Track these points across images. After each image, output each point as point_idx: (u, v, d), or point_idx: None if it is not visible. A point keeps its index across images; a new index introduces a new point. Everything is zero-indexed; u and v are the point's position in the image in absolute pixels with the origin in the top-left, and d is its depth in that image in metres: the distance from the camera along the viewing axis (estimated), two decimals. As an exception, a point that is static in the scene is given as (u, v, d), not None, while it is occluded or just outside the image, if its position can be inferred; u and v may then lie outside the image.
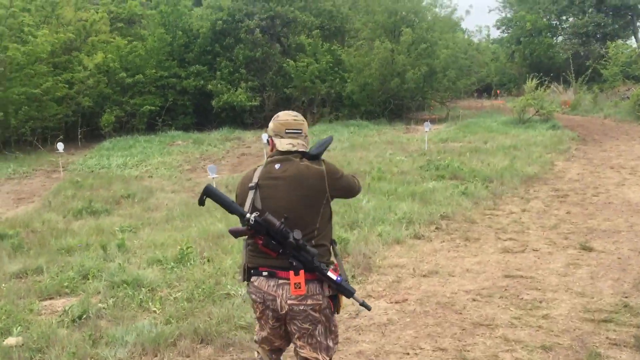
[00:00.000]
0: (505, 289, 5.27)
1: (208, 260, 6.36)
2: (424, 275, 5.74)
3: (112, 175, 13.27)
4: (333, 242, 3.05)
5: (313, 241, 2.87)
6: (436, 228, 7.42)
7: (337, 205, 8.36)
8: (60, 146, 14.42)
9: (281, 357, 3.41)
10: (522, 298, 5.05)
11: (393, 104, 22.30)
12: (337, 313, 3.02)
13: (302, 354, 3.00)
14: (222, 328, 4.60)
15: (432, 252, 6.48)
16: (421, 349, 4.21)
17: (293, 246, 2.75)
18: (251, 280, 2.99)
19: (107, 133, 20.51)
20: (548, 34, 34.82)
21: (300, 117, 3.08)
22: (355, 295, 2.93)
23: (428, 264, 6.10)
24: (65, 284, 5.84)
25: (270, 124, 3.08)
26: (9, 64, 17.88)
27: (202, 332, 4.50)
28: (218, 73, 22.63)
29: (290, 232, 2.75)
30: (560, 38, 36.61)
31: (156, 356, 4.24)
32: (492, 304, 4.96)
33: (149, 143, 18.51)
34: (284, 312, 2.89)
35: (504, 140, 14.94)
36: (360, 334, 4.50)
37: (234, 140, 19.03)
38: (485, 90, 31.99)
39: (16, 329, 4.74)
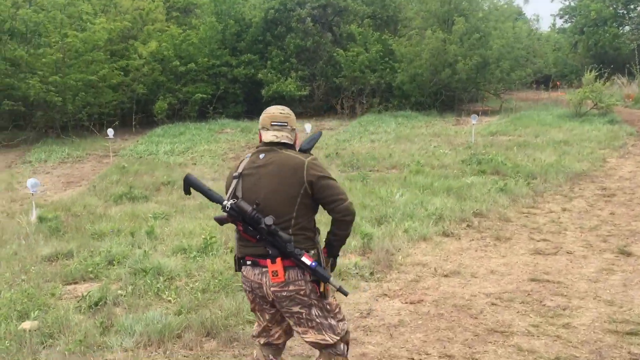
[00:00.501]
0: (529, 294, 5.04)
1: (231, 251, 6.37)
2: (445, 275, 5.56)
3: (157, 162, 13.51)
4: (316, 230, 3.10)
5: (290, 230, 2.93)
6: (467, 225, 7.19)
7: (369, 198, 8.25)
8: (110, 132, 14.79)
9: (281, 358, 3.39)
10: (544, 304, 4.81)
11: (444, 95, 21.80)
12: (325, 298, 3.05)
13: (308, 340, 3.07)
14: (230, 322, 4.59)
15: (459, 251, 6.27)
16: (427, 354, 4.07)
17: (265, 232, 2.85)
18: (241, 270, 3.10)
19: (160, 120, 20.90)
20: (614, 23, 33.15)
21: (287, 111, 3.15)
22: (332, 280, 2.97)
23: (452, 263, 5.91)
24: (90, 269, 5.97)
25: (260, 118, 3.15)
26: (67, 51, 18.44)
27: (209, 325, 4.50)
28: (269, 62, 22.70)
29: (261, 217, 2.84)
30: (627, 28, 34.81)
31: (160, 347, 4.26)
32: (511, 309, 4.74)
33: (198, 130, 18.77)
34: (270, 299, 3.01)
35: (556, 135, 14.36)
36: (367, 335, 4.39)
37: (281, 129, 19.06)
38: (545, 81, 30.81)
39: (34, 313, 4.86)
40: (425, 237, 6.68)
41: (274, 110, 3.09)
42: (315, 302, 3.02)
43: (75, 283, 5.79)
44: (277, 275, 2.90)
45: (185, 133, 18.37)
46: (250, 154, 3.14)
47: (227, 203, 2.94)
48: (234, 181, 3.07)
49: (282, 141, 3.05)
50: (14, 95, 18.16)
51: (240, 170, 3.08)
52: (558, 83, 31.61)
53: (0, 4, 18.40)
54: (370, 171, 11.02)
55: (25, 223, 8.08)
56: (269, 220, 2.82)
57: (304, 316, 3.02)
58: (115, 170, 12.39)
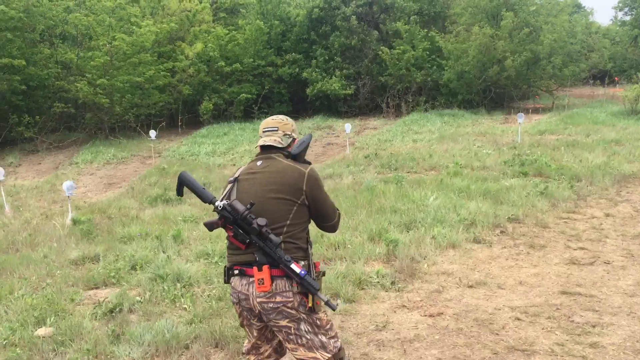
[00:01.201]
0: (557, 308, 4.73)
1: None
2: (470, 286, 5.29)
3: (198, 163, 13.63)
4: (309, 242, 3.03)
5: (281, 237, 2.85)
6: (501, 232, 6.86)
7: (401, 202, 8.03)
8: (152, 133, 15.04)
9: None
10: (572, 320, 4.49)
11: (494, 93, 21.18)
12: (315, 312, 2.94)
13: (299, 357, 2.96)
14: (240, 332, 4.47)
15: (488, 260, 5.98)
16: (439, 372, 3.85)
17: (256, 232, 2.78)
18: (230, 281, 3.01)
19: (206, 120, 21.16)
20: (677, 15, 31.60)
21: (279, 118, 3.18)
22: (319, 293, 2.86)
23: (479, 272, 5.63)
24: (112, 274, 5.98)
25: None
26: (115, 54, 18.87)
27: (219, 336, 4.40)
28: (313, 61, 22.63)
29: (254, 218, 2.79)
30: (691, 20, 33.10)
31: (167, 358, 4.19)
32: (536, 325, 4.45)
33: (242, 131, 18.88)
34: (257, 311, 2.90)
35: (608, 134, 13.71)
36: (380, 350, 4.20)
37: (324, 129, 18.97)
38: (602, 77, 29.55)
39: (50, 319, 4.89)
40: (454, 244, 6.41)
41: (269, 119, 3.17)
42: (305, 316, 2.91)
43: (97, 288, 5.81)
44: (262, 283, 2.80)
45: (229, 133, 18.50)
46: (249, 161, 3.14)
47: (220, 203, 2.89)
48: (229, 185, 3.05)
49: (270, 144, 3.04)
50: (65, 97, 18.73)
51: (236, 175, 3.07)
52: (616, 78, 30.31)
53: (52, 9, 18.97)
54: (407, 173, 10.76)
55: (59, 225, 8.24)
56: (261, 221, 2.77)
57: (292, 331, 2.90)
58: (155, 171, 12.55)
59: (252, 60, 22.29)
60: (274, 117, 3.18)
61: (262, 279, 2.80)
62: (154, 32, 20.21)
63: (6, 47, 17.57)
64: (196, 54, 21.21)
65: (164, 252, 6.64)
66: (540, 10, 20.72)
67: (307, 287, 2.82)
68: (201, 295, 5.35)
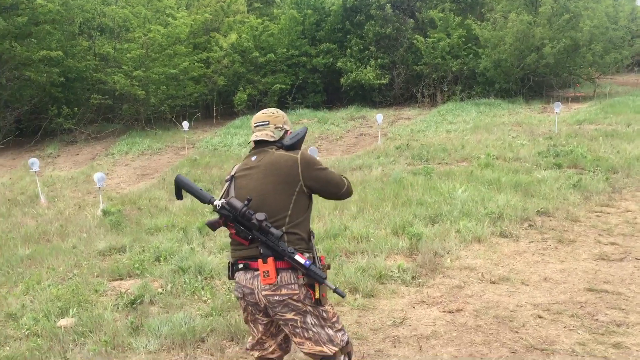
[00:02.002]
0: (582, 306, 4.58)
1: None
2: (493, 282, 5.18)
3: (229, 154, 13.70)
4: (311, 233, 3.03)
5: (284, 228, 2.85)
6: (529, 226, 6.69)
7: (428, 195, 7.92)
8: (185, 125, 15.18)
9: None
10: (597, 319, 4.35)
11: (532, 81, 20.64)
12: (321, 305, 2.92)
13: (305, 351, 2.96)
14: (255, 326, 4.48)
15: (513, 254, 5.84)
16: (453, 371, 3.77)
17: (256, 228, 2.79)
18: (234, 276, 3.02)
19: (240, 111, 21.25)
20: None
21: (270, 112, 3.17)
22: (327, 281, 2.84)
23: (503, 268, 5.50)
24: (137, 265, 6.06)
25: None
26: (151, 46, 19.09)
27: (234, 329, 4.41)
28: (348, 51, 22.43)
29: (253, 214, 2.80)
30: None
31: (182, 351, 4.22)
32: (558, 323, 4.32)
33: (276, 121, 18.90)
34: (262, 305, 2.90)
35: (650, 123, 13.22)
36: (395, 346, 4.14)
37: (358, 119, 18.83)
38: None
39: (73, 310, 4.99)
40: (479, 238, 6.28)
41: (259, 113, 3.17)
42: (311, 309, 2.90)
43: (121, 279, 5.90)
44: (268, 275, 2.80)
45: (262, 124, 18.52)
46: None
47: (218, 202, 2.91)
48: (227, 184, 3.08)
49: (263, 139, 3.05)
50: (102, 89, 19.07)
51: (232, 172, 3.09)
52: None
53: (90, 2, 19.30)
54: (438, 164, 10.59)
55: (90, 216, 8.40)
56: (260, 216, 2.78)
57: (298, 324, 2.90)
58: (187, 163, 12.68)
59: (286, 50, 22.25)
60: (264, 110, 3.18)
61: (267, 271, 2.81)
62: (189, 24, 20.34)
63: (45, 39, 17.95)
64: (230, 45, 21.26)
65: (188, 244, 6.71)
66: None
67: (313, 277, 2.82)
68: (221, 288, 5.38)
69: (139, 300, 5.15)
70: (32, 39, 17.70)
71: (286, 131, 3.13)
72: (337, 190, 3.06)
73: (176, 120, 19.74)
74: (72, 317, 4.86)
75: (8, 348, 4.36)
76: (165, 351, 4.24)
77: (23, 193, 10.73)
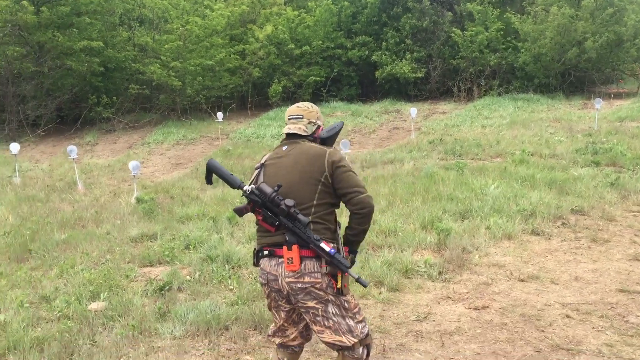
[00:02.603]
0: (612, 307, 4.49)
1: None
2: (521, 280, 5.10)
3: (262, 145, 13.79)
4: (337, 224, 3.05)
5: (310, 217, 2.88)
6: (562, 224, 6.56)
7: (459, 190, 7.85)
8: (219, 115, 15.34)
9: None
10: (627, 320, 4.25)
11: (573, 76, 20.16)
12: (342, 295, 2.94)
13: (325, 340, 2.98)
14: (280, 316, 4.51)
15: (544, 253, 5.74)
16: (475, 368, 3.74)
17: (284, 213, 2.82)
18: (259, 263, 3.06)
19: (275, 103, 21.34)
20: None
21: (306, 105, 3.19)
22: (350, 271, 2.85)
23: (532, 266, 5.41)
24: (167, 252, 6.16)
25: None
26: (188, 37, 19.30)
27: (258, 318, 4.46)
28: (384, 44, 22.27)
29: (282, 199, 2.83)
30: None
31: (206, 338, 4.28)
32: (586, 323, 4.24)
33: (309, 114, 18.91)
34: (285, 292, 2.93)
35: (694, 121, 12.80)
36: (417, 341, 4.12)
37: (392, 112, 18.71)
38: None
39: (104, 294, 5.10)
40: (510, 235, 6.19)
41: (293, 106, 3.20)
42: (332, 298, 2.93)
43: (151, 266, 6.01)
44: (292, 262, 2.84)
45: (296, 116, 18.56)
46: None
47: (248, 187, 2.96)
48: (256, 171, 3.13)
49: (295, 132, 3.09)
50: (141, 79, 19.38)
51: (263, 161, 3.14)
52: None
53: (129, -7, 19.62)
54: (472, 159, 10.46)
55: (125, 203, 8.56)
56: (289, 202, 2.82)
57: (320, 312, 2.93)
58: (220, 153, 12.80)
59: (321, 42, 22.20)
60: (299, 104, 3.20)
61: (292, 258, 2.84)
62: (226, 16, 20.49)
63: (87, 29, 18.31)
64: (266, 37, 21.33)
65: (217, 233, 6.78)
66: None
67: (337, 265, 2.84)
68: (247, 277, 5.44)
69: (167, 287, 5.24)
70: (74, 29, 18.08)
71: (319, 126, 3.16)
72: (354, 191, 2.91)
73: (211, 110, 19.93)
74: (102, 301, 4.98)
75: (40, 329, 4.49)
76: (190, 337, 4.31)
77: (62, 179, 11.00)
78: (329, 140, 3.16)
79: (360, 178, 3.08)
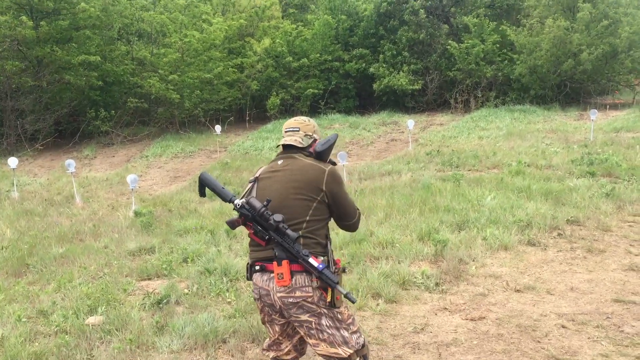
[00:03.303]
0: (608, 317, 4.50)
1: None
2: (517, 290, 5.12)
3: (260, 158, 13.83)
4: (328, 239, 3.09)
5: (300, 232, 2.90)
6: (558, 234, 6.59)
7: (456, 201, 7.88)
8: (217, 128, 15.40)
9: None
10: (622, 330, 4.27)
11: (569, 88, 20.27)
12: (335, 307, 2.95)
13: (320, 353, 2.99)
14: (277, 328, 4.52)
15: (540, 263, 5.76)
16: (472, 379, 3.75)
17: (273, 228, 2.85)
18: (252, 278, 3.07)
19: (273, 115, 21.42)
20: None
21: (302, 119, 3.24)
22: (338, 286, 2.87)
23: (529, 276, 5.44)
24: (165, 266, 6.18)
25: None
26: (186, 51, 19.42)
27: (256, 331, 4.47)
28: (381, 56, 22.41)
29: (270, 215, 2.85)
30: None
31: (204, 351, 4.29)
32: (582, 333, 4.26)
33: (307, 126, 18.97)
34: (278, 306, 2.94)
35: (690, 132, 12.87)
36: (414, 353, 4.14)
37: (390, 124, 18.78)
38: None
39: (101, 308, 5.11)
40: (506, 246, 6.21)
41: (291, 119, 3.25)
42: (325, 311, 2.94)
43: (149, 279, 6.03)
44: (282, 278, 2.85)
45: (294, 128, 18.62)
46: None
47: (239, 201, 2.97)
48: (250, 184, 3.14)
49: (292, 144, 3.10)
50: (139, 92, 19.47)
51: (257, 174, 3.15)
52: None
53: (128, 7, 19.73)
54: (468, 171, 10.51)
55: (123, 217, 8.59)
56: (277, 217, 2.84)
57: (313, 326, 2.93)
58: (218, 166, 12.84)
59: (319, 55, 22.33)
60: (297, 118, 3.24)
61: (282, 273, 2.85)
62: (224, 29, 20.62)
63: (85, 44, 18.44)
64: (264, 50, 21.48)
65: (215, 246, 6.81)
66: (620, 2, 19.66)
67: (325, 281, 2.85)
68: (245, 290, 5.45)
69: (165, 300, 5.25)
70: (73, 44, 18.20)
71: (315, 140, 3.19)
72: (347, 217, 3.13)
73: (209, 123, 20.02)
74: (100, 315, 4.99)
75: (37, 344, 4.50)
76: (187, 351, 4.32)
77: (60, 193, 11.03)
78: (324, 154, 3.16)
79: (353, 198, 3.16)
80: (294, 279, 2.87)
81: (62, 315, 4.95)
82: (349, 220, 3.14)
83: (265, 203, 2.88)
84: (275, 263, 2.86)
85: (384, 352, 4.15)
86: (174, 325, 4.64)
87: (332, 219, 3.13)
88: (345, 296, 2.88)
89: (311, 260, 2.83)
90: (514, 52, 20.86)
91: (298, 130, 3.15)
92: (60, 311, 5.05)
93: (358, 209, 3.19)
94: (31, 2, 17.47)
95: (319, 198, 2.96)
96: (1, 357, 4.24)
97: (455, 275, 5.50)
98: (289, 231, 2.84)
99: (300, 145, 3.10)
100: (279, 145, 3.17)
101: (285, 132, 3.17)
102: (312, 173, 2.98)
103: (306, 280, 2.88)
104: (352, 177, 10.57)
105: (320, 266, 2.83)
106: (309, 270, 2.86)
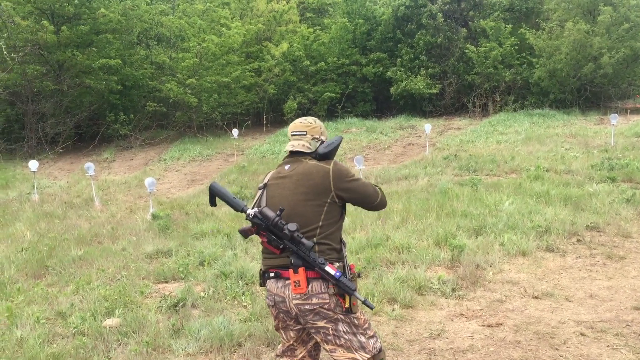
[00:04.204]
0: (628, 325, 4.44)
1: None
2: (536, 297, 5.06)
3: (277, 162, 13.84)
4: (342, 243, 3.04)
5: (315, 239, 2.88)
6: (577, 240, 6.51)
7: (473, 206, 7.83)
8: (235, 132, 15.47)
9: None
10: (643, 339, 4.20)
11: (589, 92, 20.06)
12: (352, 312, 2.93)
13: (338, 358, 2.96)
14: (292, 333, 4.52)
15: (559, 270, 5.70)
16: (488, 386, 3.71)
17: (287, 238, 2.82)
18: (266, 284, 3.04)
19: (290, 119, 21.44)
20: None
21: (309, 121, 3.15)
22: (356, 293, 2.85)
23: (547, 283, 5.37)
24: (181, 269, 6.21)
25: None
26: (204, 55, 19.56)
27: (271, 335, 4.47)
28: (398, 60, 22.39)
29: (285, 224, 2.82)
30: None
31: (220, 355, 4.30)
32: (601, 341, 4.20)
33: (324, 130, 18.99)
34: (294, 313, 2.92)
35: None
36: (430, 359, 4.11)
37: (407, 128, 18.73)
38: None
39: (119, 311, 5.15)
40: (524, 251, 6.15)
41: (297, 121, 3.16)
42: (342, 317, 2.92)
43: (166, 282, 6.06)
44: (299, 285, 2.82)
45: (310, 133, 18.65)
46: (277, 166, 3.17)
47: (251, 211, 2.93)
48: (259, 192, 3.10)
49: (299, 149, 3.04)
50: (158, 96, 19.64)
51: (265, 181, 3.11)
52: None
53: (148, 12, 19.93)
54: (486, 175, 10.44)
55: (140, 220, 8.65)
56: (292, 226, 2.81)
57: (330, 332, 2.91)
58: (235, 169, 12.89)
59: (336, 59, 22.38)
60: (303, 120, 3.15)
61: (298, 281, 2.83)
62: (242, 33, 20.74)
63: (105, 48, 18.68)
64: (282, 54, 21.57)
65: (231, 249, 6.83)
66: (642, 4, 19.46)
67: (343, 289, 2.83)
68: (261, 294, 5.45)
69: (181, 303, 5.27)
70: (93, 48, 18.44)
71: (322, 142, 3.12)
72: (369, 200, 3.06)
73: (227, 127, 20.12)
74: (117, 317, 5.02)
75: (55, 345, 4.54)
76: (203, 354, 4.33)
77: (79, 196, 11.15)
78: (326, 156, 3.09)
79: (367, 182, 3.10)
80: (310, 286, 2.85)
81: (80, 317, 5.00)
82: (373, 201, 3.07)
83: (278, 212, 2.85)
84: (291, 271, 2.84)
85: (399, 357, 4.12)
86: (190, 328, 4.66)
87: (344, 222, 3.10)
88: (364, 303, 2.87)
89: (328, 268, 2.81)
90: (533, 56, 20.71)
91: (305, 134, 3.08)
92: (79, 313, 5.09)
93: (377, 186, 3.15)
94: (52, 8, 17.74)
95: (329, 200, 2.93)
96: (20, 358, 4.28)
97: (472, 281, 5.45)
98: (304, 240, 2.81)
99: (308, 151, 3.05)
100: (286, 150, 3.12)
101: (292, 135, 3.11)
102: (317, 176, 2.94)
103: (322, 287, 2.87)
104: (369, 181, 10.54)
105: (337, 274, 2.81)
106: (325, 277, 2.85)
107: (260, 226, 2.90)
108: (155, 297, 5.60)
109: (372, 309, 2.93)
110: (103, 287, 5.77)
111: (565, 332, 4.37)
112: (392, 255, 6.19)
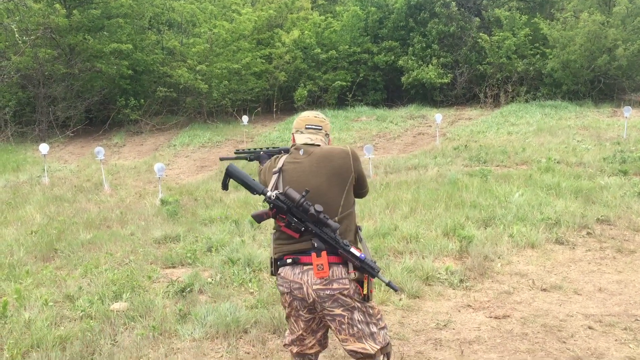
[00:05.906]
0: (636, 319, 4.40)
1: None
2: (544, 289, 5.03)
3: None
4: (357, 227, 3.08)
5: (336, 218, 2.89)
6: (587, 233, 6.46)
7: (483, 197, 7.79)
8: (245, 119, 15.45)
9: None
10: (651, 333, 4.16)
11: (603, 84, 19.83)
12: (368, 300, 2.95)
13: (348, 348, 2.97)
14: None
15: (568, 262, 5.66)
16: (494, 378, 3.70)
17: (314, 219, 2.80)
18: (278, 272, 3.02)
19: (300, 107, 21.39)
20: None
21: (322, 116, 3.20)
22: (380, 274, 2.87)
23: (556, 275, 5.34)
24: (189, 254, 6.23)
25: (294, 122, 3.20)
26: (215, 41, 19.50)
27: (277, 322, 4.47)
28: (410, 49, 22.20)
29: (311, 205, 2.81)
30: None
31: (225, 341, 4.31)
32: (609, 335, 4.17)
33: (334, 118, 18.93)
34: (311, 300, 2.90)
35: None
36: (436, 349, 4.10)
37: (417, 118, 18.62)
38: None
39: (126, 295, 5.17)
40: (533, 243, 6.11)
41: (309, 114, 3.19)
42: (359, 305, 2.92)
43: (173, 267, 6.08)
44: (322, 269, 2.82)
45: (321, 120, 18.59)
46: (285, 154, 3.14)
47: (272, 193, 2.90)
48: (274, 176, 3.03)
49: (316, 143, 3.09)
50: (168, 82, 19.62)
51: (280, 165, 3.04)
52: None
53: (157, -2, 19.90)
54: (496, 166, 10.37)
55: (149, 205, 8.67)
56: (319, 207, 2.80)
57: (345, 320, 2.91)
58: (244, 156, 12.86)
59: (347, 47, 22.22)
60: (316, 114, 3.20)
61: (322, 264, 2.82)
62: (253, 20, 20.65)
63: (117, 33, 18.67)
64: (293, 41, 21.43)
65: (239, 236, 6.83)
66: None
67: (367, 270, 2.84)
68: (268, 281, 5.46)
69: (188, 289, 5.28)
70: (104, 32, 18.45)
71: (329, 139, 3.23)
72: (365, 185, 3.19)
73: (237, 114, 20.08)
74: (124, 301, 5.05)
75: (62, 328, 4.57)
76: (209, 340, 4.34)
77: (89, 180, 11.19)
78: None
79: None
80: (331, 271, 2.84)
81: (87, 300, 5.03)
82: (365, 187, 3.20)
83: (304, 194, 2.82)
84: (314, 254, 2.83)
85: (405, 347, 4.11)
86: (196, 314, 4.67)
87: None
88: (388, 284, 2.91)
89: (353, 250, 2.82)
90: (546, 47, 20.47)
91: (320, 129, 3.14)
92: (86, 296, 5.12)
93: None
94: (64, -9, 17.73)
95: (349, 181, 2.98)
96: (28, 339, 4.31)
97: (480, 272, 5.43)
98: (330, 221, 2.80)
99: (321, 144, 3.11)
100: (303, 143, 3.09)
101: (307, 128, 3.12)
102: (338, 157, 2.98)
103: (343, 273, 2.87)
104: (378, 171, 10.51)
105: (362, 256, 2.82)
106: (345, 262, 2.85)
107: (281, 209, 2.87)
108: (162, 282, 5.61)
109: (396, 291, 3.01)
110: (111, 271, 5.80)
111: (573, 326, 4.34)
112: (400, 245, 6.17)
